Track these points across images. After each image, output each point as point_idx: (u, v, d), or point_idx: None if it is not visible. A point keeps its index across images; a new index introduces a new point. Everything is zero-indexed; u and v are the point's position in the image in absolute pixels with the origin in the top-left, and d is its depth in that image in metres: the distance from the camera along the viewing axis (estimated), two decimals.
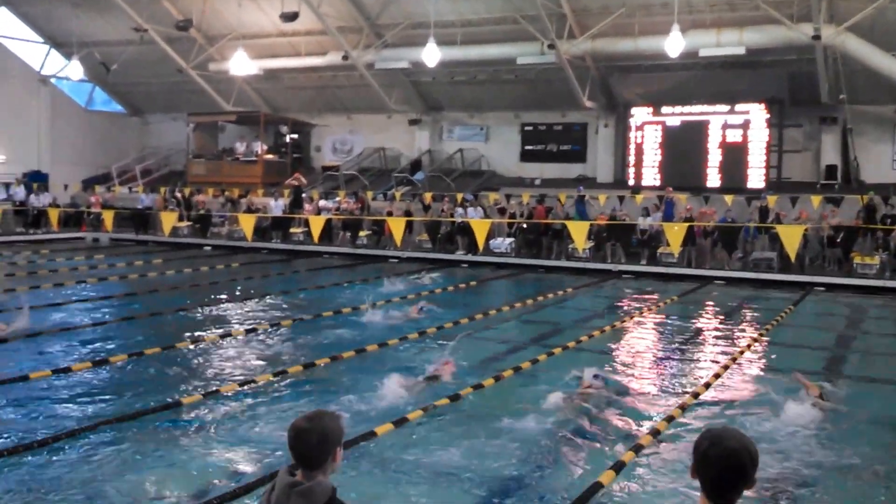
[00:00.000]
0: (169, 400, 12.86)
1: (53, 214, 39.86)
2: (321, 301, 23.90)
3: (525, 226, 35.16)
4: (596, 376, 14.43)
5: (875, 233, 30.78)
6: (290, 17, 39.39)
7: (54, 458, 10.35)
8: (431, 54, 36.65)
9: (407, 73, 43.99)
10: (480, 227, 32.49)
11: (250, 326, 19.62)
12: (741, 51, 34.63)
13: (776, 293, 27.73)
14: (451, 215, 36.09)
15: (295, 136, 51.76)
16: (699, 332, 21.41)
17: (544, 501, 9.58)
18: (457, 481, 10.04)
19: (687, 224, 30.91)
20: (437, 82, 44.97)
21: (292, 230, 39.03)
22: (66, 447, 10.72)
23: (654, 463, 10.63)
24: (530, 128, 45.30)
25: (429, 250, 36.07)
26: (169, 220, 37.74)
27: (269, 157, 50.15)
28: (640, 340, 19.96)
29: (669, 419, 12.42)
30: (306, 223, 37.10)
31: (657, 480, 10.10)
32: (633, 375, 15.30)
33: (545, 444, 11.45)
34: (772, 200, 33.40)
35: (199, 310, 21.93)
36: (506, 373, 15.06)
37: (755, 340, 19.17)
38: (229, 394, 13.46)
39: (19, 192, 43.37)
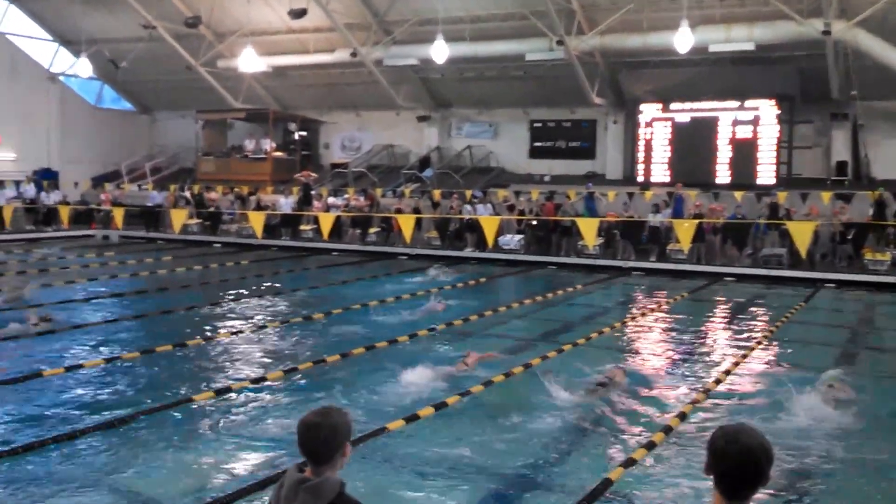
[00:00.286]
0: (180, 397, 12.88)
1: (64, 212, 39.89)
2: (331, 298, 23.87)
3: (534, 222, 35.10)
4: (619, 368, 14.71)
5: (886, 229, 30.72)
6: (299, 13, 39.41)
7: (67, 454, 10.38)
8: (440, 51, 36.65)
9: (415, 70, 43.95)
10: (490, 224, 32.46)
11: (261, 323, 19.65)
12: (751, 46, 34.52)
13: (786, 290, 27.68)
14: (460, 212, 36.06)
15: (304, 133, 51.81)
16: (709, 328, 21.42)
17: (553, 498, 9.58)
18: (466, 477, 10.05)
19: (696, 221, 30.86)
20: (446, 79, 44.94)
21: (302, 227, 39.02)
22: (79, 444, 10.74)
23: (666, 460, 10.62)
24: (539, 124, 45.27)
25: (438, 247, 36.05)
26: (179, 217, 37.74)
27: (278, 154, 50.21)
28: (650, 337, 19.92)
29: (681, 416, 12.41)
30: (316, 220, 37.12)
31: (668, 477, 10.08)
32: (643, 372, 15.26)
33: (555, 441, 11.47)
34: (782, 197, 33.32)
35: (210, 307, 21.95)
36: (516, 369, 15.03)
37: (765, 337, 19.14)
38: (240, 391, 13.46)
39: (30, 190, 43.40)
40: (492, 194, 38.73)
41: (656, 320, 22.05)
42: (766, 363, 16.82)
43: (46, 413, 12.17)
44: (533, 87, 43.34)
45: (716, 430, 4.26)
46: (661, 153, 39.81)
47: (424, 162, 46.02)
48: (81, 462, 10.18)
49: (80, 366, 14.74)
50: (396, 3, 40.46)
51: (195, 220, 41.27)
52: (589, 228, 31.25)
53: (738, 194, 34.91)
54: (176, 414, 12.17)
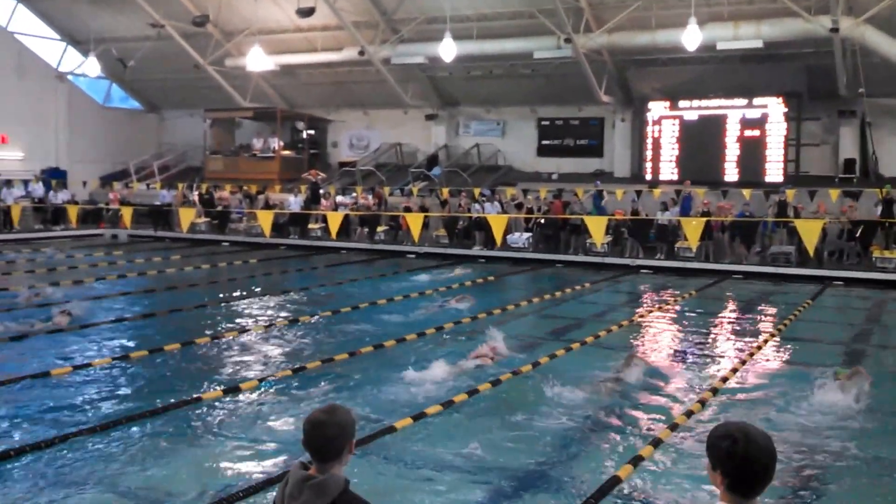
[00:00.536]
0: (188, 396, 12.90)
1: (72, 211, 39.94)
2: (340, 297, 23.90)
3: (542, 221, 35.09)
4: (636, 363, 14.96)
5: (894, 227, 30.66)
6: (307, 12, 39.43)
7: (75, 453, 10.39)
8: (448, 49, 36.66)
9: (423, 69, 43.94)
10: (498, 222, 32.46)
11: (269, 322, 19.68)
12: (759, 44, 34.48)
13: (794, 288, 27.66)
14: (469, 210, 36.07)
15: (311, 131, 51.85)
16: (717, 326, 21.37)
17: (562, 495, 9.58)
18: (473, 474, 10.06)
19: (704, 218, 30.83)
20: (454, 77, 44.93)
21: (310, 226, 39.06)
22: (87, 443, 10.76)
23: (673, 457, 10.62)
24: (547, 122, 45.28)
25: (446, 245, 36.05)
26: (187, 216, 37.77)
27: (286, 153, 50.28)
28: (658, 335, 19.91)
29: (688, 413, 12.42)
30: (324, 219, 37.13)
31: (676, 475, 10.08)
32: (651, 370, 15.24)
33: (562, 438, 11.48)
34: (790, 194, 33.26)
35: (218, 306, 22.00)
36: (524, 368, 15.04)
37: (773, 335, 19.13)
38: (249, 389, 13.48)
39: (38, 189, 43.46)
40: (500, 193, 38.71)
41: (664, 318, 22.04)
42: (774, 361, 16.84)
43: (55, 412, 12.20)
44: (541, 85, 43.35)
45: (718, 432, 4.20)
46: (669, 151, 39.80)
47: (432, 160, 46.03)
48: (89, 460, 10.20)
49: (89, 364, 14.78)
50: (404, 1, 40.47)
51: (203, 219, 41.30)
52: (597, 226, 31.22)
53: (746, 192, 34.84)
54: (184, 412, 12.18)
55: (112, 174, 51.80)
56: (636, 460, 10.27)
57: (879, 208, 31.31)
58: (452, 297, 22.77)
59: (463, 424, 11.93)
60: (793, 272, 29.53)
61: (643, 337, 19.30)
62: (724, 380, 14.61)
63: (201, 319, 20.05)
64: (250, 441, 11.07)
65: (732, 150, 38.38)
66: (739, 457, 4.06)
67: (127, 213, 38.68)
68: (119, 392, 13.44)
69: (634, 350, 17.03)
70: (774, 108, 37.60)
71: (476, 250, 34.56)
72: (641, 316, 21.80)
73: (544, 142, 45.43)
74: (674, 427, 11.66)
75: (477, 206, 36.09)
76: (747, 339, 18.91)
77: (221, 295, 23.83)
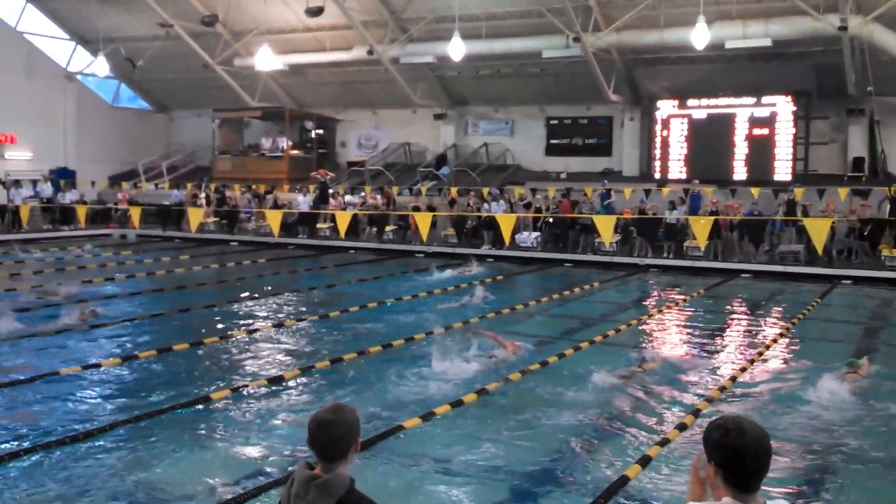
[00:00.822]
0: (197, 395, 12.93)
1: (81, 211, 39.98)
2: (348, 296, 23.92)
3: (551, 220, 35.08)
4: (644, 359, 15.25)
5: None
6: (315, 11, 39.45)
7: (85, 453, 10.44)
8: (456, 48, 36.64)
9: (432, 68, 43.94)
10: (506, 222, 32.43)
11: (277, 322, 19.71)
12: (767, 42, 34.44)
13: (803, 286, 27.63)
14: (478, 210, 36.06)
15: (320, 131, 51.81)
16: (726, 325, 21.36)
17: (570, 495, 9.60)
18: (482, 474, 10.09)
19: (713, 217, 30.80)
20: (462, 76, 44.91)
21: (319, 226, 39.09)
22: (96, 442, 10.81)
23: (682, 456, 10.61)
24: (555, 122, 45.26)
25: (454, 245, 36.05)
26: (196, 216, 37.79)
27: (295, 152, 50.23)
28: (666, 334, 19.91)
29: (696, 413, 12.42)
30: (333, 219, 37.14)
31: (684, 475, 10.05)
32: (660, 369, 15.24)
33: (571, 438, 11.49)
34: (799, 193, 33.21)
35: (227, 305, 22.01)
36: (533, 367, 15.04)
37: (782, 334, 19.11)
38: (257, 389, 13.50)
39: (46, 189, 43.55)
40: (507, 192, 38.68)
41: (673, 317, 22.04)
42: (782, 360, 16.83)
43: (63, 411, 12.25)
44: (549, 84, 43.31)
45: (712, 424, 4.23)
46: (678, 150, 39.75)
47: (441, 160, 46.02)
48: (98, 460, 10.23)
49: (98, 364, 14.80)
50: (413, 0, 40.47)
51: (212, 219, 41.33)
52: (605, 225, 31.19)
53: (754, 191, 34.83)
54: (193, 412, 12.22)
55: (121, 174, 51.84)
56: (644, 460, 10.28)
57: (888, 206, 31.25)
58: (469, 296, 22.98)
59: (471, 424, 11.95)
60: (801, 271, 29.49)
61: (652, 336, 19.29)
62: (733, 379, 14.62)
63: (210, 319, 20.07)
64: (259, 441, 11.09)
65: (741, 149, 38.33)
66: (731, 447, 4.08)
67: (135, 213, 38.71)
68: (128, 392, 13.47)
69: (648, 349, 17.08)
70: (783, 107, 37.54)
71: (485, 249, 34.53)
72: (650, 315, 21.80)
73: (553, 141, 45.41)
74: (682, 427, 11.66)
75: (487, 205, 36.08)
76: (756, 338, 18.94)
77: (230, 295, 23.84)
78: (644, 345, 17.87)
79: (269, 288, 25.59)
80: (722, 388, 13.89)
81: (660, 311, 22.36)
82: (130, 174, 51.61)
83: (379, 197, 39.51)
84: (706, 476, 4.25)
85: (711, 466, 4.17)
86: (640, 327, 20.15)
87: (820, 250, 28.81)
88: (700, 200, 33.60)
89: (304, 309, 21.91)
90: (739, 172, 38.25)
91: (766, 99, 37.80)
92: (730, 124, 38.50)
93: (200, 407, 12.44)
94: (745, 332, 20.25)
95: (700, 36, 32.71)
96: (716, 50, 35.52)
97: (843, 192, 33.86)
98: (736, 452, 4.07)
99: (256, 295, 23.94)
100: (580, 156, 44.31)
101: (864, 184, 35.21)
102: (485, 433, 11.45)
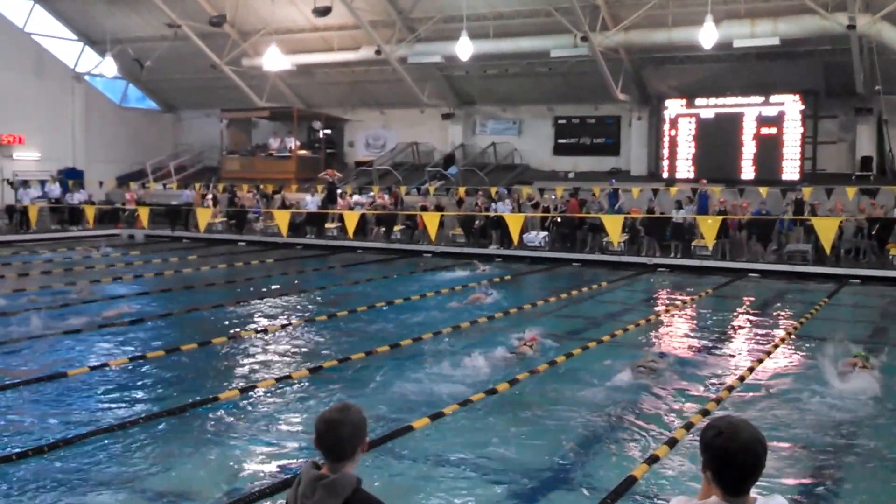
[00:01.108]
0: (205, 395, 12.93)
1: (89, 211, 40.01)
2: (356, 296, 23.93)
3: (559, 219, 35.07)
4: (662, 355, 15.59)
5: None
6: (323, 11, 39.45)
7: (93, 453, 10.45)
8: (464, 48, 36.60)
9: (440, 68, 43.92)
10: (514, 221, 32.41)
11: (285, 322, 19.72)
12: (775, 41, 34.38)
13: (811, 286, 27.61)
14: (486, 209, 36.07)
15: (328, 131, 51.82)
16: (734, 325, 21.32)
17: (577, 495, 9.61)
18: (489, 474, 10.08)
19: (721, 217, 30.77)
20: (470, 76, 44.92)
21: (327, 226, 39.10)
22: (105, 443, 10.82)
23: (689, 457, 10.59)
24: (563, 121, 45.21)
25: (462, 244, 36.04)
26: (204, 216, 37.81)
27: (303, 152, 50.28)
28: (674, 334, 19.91)
29: (704, 412, 12.39)
30: (340, 219, 37.16)
31: (691, 475, 10.05)
32: (667, 368, 15.22)
33: (579, 438, 11.50)
34: (807, 192, 33.19)
35: (235, 305, 22.02)
36: (541, 367, 15.03)
37: (790, 334, 19.09)
38: (265, 389, 13.52)
39: (55, 190, 43.58)
40: (515, 192, 38.66)
41: (681, 317, 22.07)
42: (790, 359, 16.80)
43: (72, 412, 12.27)
44: (557, 83, 43.33)
45: (707, 427, 4.22)
46: (686, 149, 39.75)
47: (449, 159, 46.04)
48: (106, 460, 10.25)
49: (106, 365, 14.82)
50: (421, 0, 40.47)
51: (220, 219, 41.37)
52: (613, 225, 31.16)
53: (762, 190, 34.81)
54: (201, 412, 12.23)
55: (129, 174, 51.91)
56: (652, 460, 10.26)
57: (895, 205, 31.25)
58: (477, 293, 23.12)
59: (478, 423, 11.95)
60: (809, 270, 29.47)
61: (660, 335, 19.28)
62: (741, 378, 14.59)
63: (218, 319, 20.11)
64: (267, 441, 11.11)
65: (749, 148, 38.33)
66: (718, 448, 4.07)
67: (143, 214, 38.73)
68: (136, 392, 13.50)
69: (657, 347, 17.14)
70: (791, 106, 37.52)
71: (492, 249, 34.54)
72: (658, 314, 21.80)
73: (561, 140, 45.36)
74: (689, 426, 11.64)
75: (494, 205, 36.10)
76: (764, 338, 18.90)
77: (238, 295, 23.88)
78: (655, 343, 17.87)
79: (278, 288, 25.61)
80: (730, 388, 13.87)
81: (668, 311, 22.38)
82: (139, 174, 51.67)
83: (387, 197, 39.52)
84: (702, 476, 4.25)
85: (703, 465, 4.17)
86: (648, 327, 20.13)
87: (828, 250, 28.79)
88: (708, 200, 33.57)
89: (312, 309, 21.94)
90: (747, 172, 38.24)
91: (774, 98, 37.81)
92: (738, 123, 38.50)
93: (208, 407, 12.44)
94: (753, 331, 20.20)
95: (708, 35, 32.67)
96: (724, 49, 35.47)
97: (852, 191, 33.80)
98: (723, 454, 4.06)
99: (264, 295, 23.96)
100: (588, 155, 44.29)
101: (873, 183, 35.17)
102: (492, 433, 11.45)
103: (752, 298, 25.62)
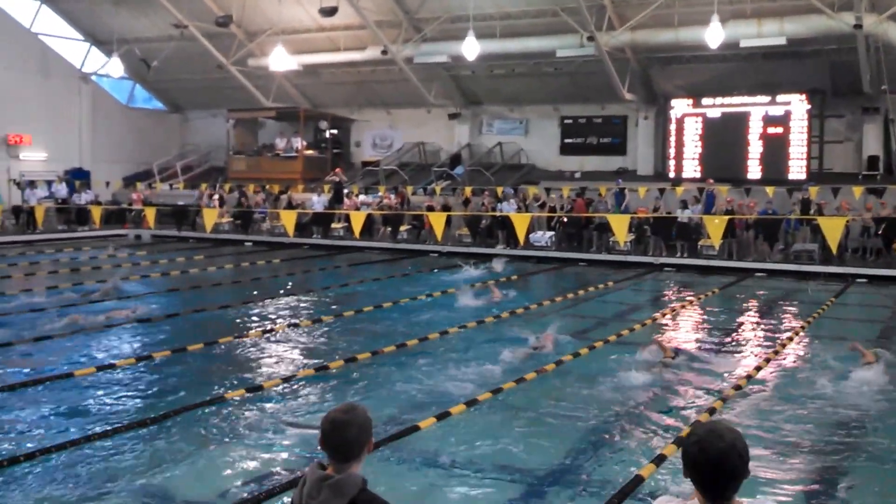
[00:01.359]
0: (212, 395, 12.94)
1: (96, 212, 40.02)
2: (363, 296, 23.99)
3: (565, 219, 35.07)
4: (677, 351, 15.81)
5: None
6: (329, 11, 39.44)
7: (99, 454, 10.45)
8: (471, 48, 36.58)
9: (446, 67, 43.91)
10: (520, 221, 32.40)
11: (292, 321, 19.72)
12: (782, 41, 34.34)
13: (817, 285, 27.60)
14: (493, 209, 36.07)
15: (335, 131, 51.80)
16: (740, 324, 21.31)
17: (584, 495, 9.59)
18: (495, 474, 10.09)
19: (727, 216, 30.75)
20: (477, 76, 44.90)
21: (333, 226, 39.12)
22: (112, 443, 10.82)
23: None
24: (570, 121, 45.20)
25: (469, 244, 36.05)
26: (211, 216, 37.82)
27: (309, 152, 50.27)
28: (680, 333, 19.88)
29: (711, 411, 12.42)
30: (347, 219, 37.15)
31: None
32: (673, 367, 15.22)
33: (585, 437, 11.52)
34: (813, 192, 33.17)
35: (242, 306, 22.03)
36: (548, 367, 15.03)
37: (797, 333, 19.08)
38: (272, 389, 13.53)
39: (61, 190, 43.64)
40: (521, 191, 38.66)
41: (687, 316, 22.06)
42: (798, 359, 16.77)
43: (78, 412, 12.28)
44: (564, 83, 43.31)
45: (687, 434, 4.21)
46: (692, 149, 39.70)
47: (455, 159, 46.03)
48: (113, 460, 10.25)
49: (113, 365, 14.83)
50: (427, 0, 40.47)
51: (227, 219, 41.40)
52: (620, 225, 31.14)
53: (769, 189, 34.76)
54: (208, 412, 12.23)
55: (135, 174, 51.89)
56: (659, 459, 10.25)
57: None
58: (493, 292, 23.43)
59: (485, 423, 11.96)
60: (816, 270, 29.45)
61: (666, 335, 19.24)
62: (748, 377, 14.60)
63: (224, 319, 20.13)
64: (273, 441, 11.12)
65: (755, 148, 38.27)
66: (693, 457, 4.05)
67: (150, 214, 38.75)
68: (142, 392, 13.51)
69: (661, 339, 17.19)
70: (797, 106, 37.46)
71: (499, 249, 34.54)
72: (664, 314, 21.78)
73: (567, 140, 45.35)
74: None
75: (501, 205, 36.11)
76: (771, 337, 18.89)
77: (244, 295, 23.89)
78: (664, 339, 17.87)
79: (284, 288, 25.64)
80: (737, 387, 13.87)
81: (674, 310, 22.36)
82: (145, 174, 51.67)
83: (393, 197, 39.55)
84: None
85: None
86: (654, 326, 20.12)
87: (834, 249, 28.74)
88: (714, 199, 33.57)
89: (318, 309, 21.92)
90: (754, 171, 38.19)
91: (780, 97, 37.75)
92: (744, 123, 38.44)
93: (215, 407, 12.44)
94: (760, 330, 20.21)
95: (714, 35, 32.64)
96: (730, 48, 35.44)
97: (858, 190, 33.77)
98: (696, 463, 4.04)
99: (271, 295, 23.96)
100: (595, 155, 44.27)
101: (879, 182, 35.13)
102: (498, 432, 11.45)
103: (759, 298, 25.64)
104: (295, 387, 13.75)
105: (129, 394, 13.34)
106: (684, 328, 20.66)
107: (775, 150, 37.72)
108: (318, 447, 4.66)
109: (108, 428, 11.28)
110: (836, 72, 36.65)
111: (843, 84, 36.86)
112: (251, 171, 49.54)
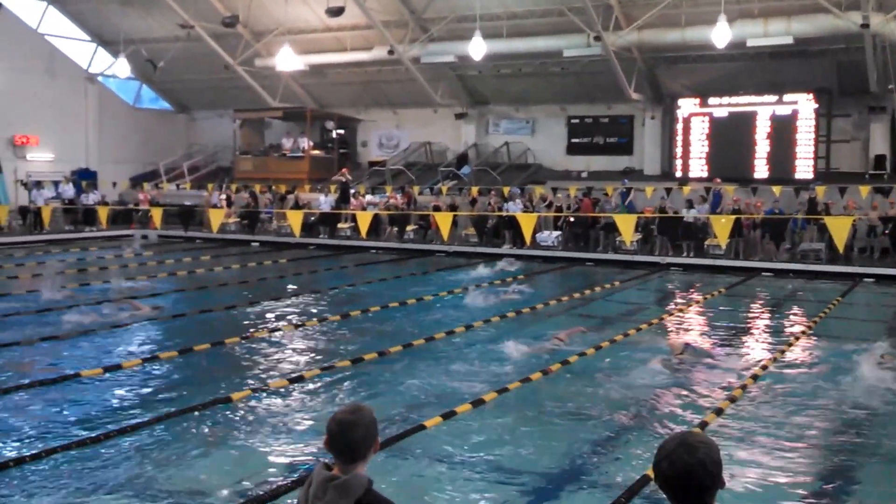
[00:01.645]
0: (218, 396, 12.93)
1: (102, 212, 40.03)
2: (369, 296, 23.95)
3: (572, 219, 35.06)
4: (687, 346, 15.97)
5: None
6: (336, 11, 39.45)
7: (106, 455, 10.46)
8: (477, 48, 36.56)
9: (453, 67, 43.90)
10: (527, 221, 32.38)
11: (298, 322, 19.73)
12: (789, 40, 34.32)
13: (824, 285, 27.58)
14: (499, 209, 36.06)
15: (341, 131, 51.77)
16: (747, 324, 21.32)
17: (591, 495, 9.60)
18: (502, 473, 10.08)
19: (734, 216, 30.73)
20: (483, 76, 44.89)
21: (339, 226, 39.12)
22: (117, 444, 10.83)
23: None
24: (576, 120, 45.15)
25: (475, 244, 36.04)
26: (217, 216, 37.82)
27: (316, 152, 50.23)
28: (688, 333, 19.83)
29: (718, 411, 12.39)
30: (353, 219, 37.16)
31: None
32: (680, 367, 15.21)
33: (592, 437, 11.50)
34: (820, 191, 33.14)
35: (248, 306, 22.03)
36: (554, 366, 15.02)
37: (804, 332, 19.06)
38: (278, 389, 13.52)
39: (68, 190, 43.69)
40: (528, 191, 38.64)
41: (694, 316, 22.03)
42: (805, 358, 16.74)
43: (85, 413, 12.30)
44: (570, 83, 43.29)
45: (660, 447, 4.12)
46: (699, 148, 39.67)
47: (462, 159, 46.00)
48: (120, 461, 10.27)
49: (119, 366, 14.83)
50: (434, 0, 40.46)
51: (234, 220, 41.42)
52: (626, 224, 31.13)
53: (776, 189, 34.72)
54: (213, 413, 12.23)
55: (142, 175, 51.93)
56: None
57: None
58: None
59: (491, 423, 11.95)
60: (822, 269, 29.42)
61: (673, 335, 19.23)
62: (755, 377, 14.57)
63: (231, 319, 20.14)
64: (279, 441, 11.11)
65: (762, 147, 38.22)
66: (661, 468, 4.02)
67: (157, 214, 38.76)
68: (149, 393, 13.52)
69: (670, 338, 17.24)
70: (804, 105, 37.42)
71: (505, 249, 34.52)
72: (671, 314, 21.77)
73: (574, 140, 45.30)
74: (703, 426, 11.62)
75: (506, 205, 36.10)
76: (778, 337, 18.89)
77: (251, 295, 23.91)
78: (661, 346, 17.85)
79: (290, 288, 25.66)
80: (744, 387, 13.85)
81: (681, 310, 22.34)
82: (152, 175, 51.68)
83: (400, 197, 39.54)
84: None
85: None
86: (661, 326, 20.10)
87: (841, 248, 28.70)
88: (721, 199, 33.55)
89: (324, 309, 21.92)
90: (761, 171, 38.14)
91: (787, 97, 37.70)
92: (751, 122, 38.40)
93: (221, 407, 12.45)
94: (766, 330, 20.21)
95: (721, 34, 32.61)
96: (737, 48, 35.40)
97: (865, 189, 33.71)
98: (665, 476, 4.01)
99: (277, 295, 23.97)
100: (601, 155, 44.23)
101: (886, 181, 35.10)
102: (504, 432, 11.45)
103: (766, 297, 25.64)
104: (301, 387, 13.75)
105: (136, 394, 13.36)
106: (691, 328, 20.60)
107: (782, 149, 37.66)
108: (324, 448, 4.64)
109: (115, 428, 11.28)
110: (843, 71, 36.59)
111: (850, 83, 36.80)
112: (258, 172, 49.58)
